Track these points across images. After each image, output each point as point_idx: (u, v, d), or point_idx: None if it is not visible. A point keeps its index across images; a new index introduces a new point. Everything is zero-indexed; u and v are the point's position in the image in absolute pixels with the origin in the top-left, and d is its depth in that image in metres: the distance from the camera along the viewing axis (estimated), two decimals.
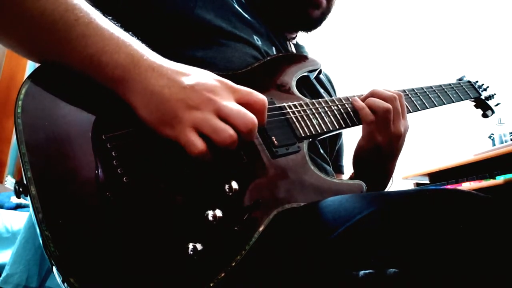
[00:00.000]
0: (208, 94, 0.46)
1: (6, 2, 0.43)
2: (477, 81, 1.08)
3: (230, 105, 0.46)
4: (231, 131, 0.45)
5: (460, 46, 3.25)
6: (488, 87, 1.09)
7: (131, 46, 0.47)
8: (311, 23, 0.86)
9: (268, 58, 0.72)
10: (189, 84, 0.46)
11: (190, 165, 0.47)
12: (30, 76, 0.44)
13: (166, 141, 0.46)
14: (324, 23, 0.88)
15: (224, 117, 0.46)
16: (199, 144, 0.44)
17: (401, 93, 0.74)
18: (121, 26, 0.49)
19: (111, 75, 0.45)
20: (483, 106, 1.10)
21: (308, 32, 0.89)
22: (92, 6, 0.48)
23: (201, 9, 0.67)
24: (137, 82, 0.45)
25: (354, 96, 0.74)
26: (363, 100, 0.72)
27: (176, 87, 0.46)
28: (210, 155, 0.45)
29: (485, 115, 1.11)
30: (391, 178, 0.80)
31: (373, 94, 0.73)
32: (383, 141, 0.70)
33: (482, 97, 1.06)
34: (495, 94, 1.10)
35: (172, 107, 0.45)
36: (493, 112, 1.10)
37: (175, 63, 0.49)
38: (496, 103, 1.10)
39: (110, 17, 0.49)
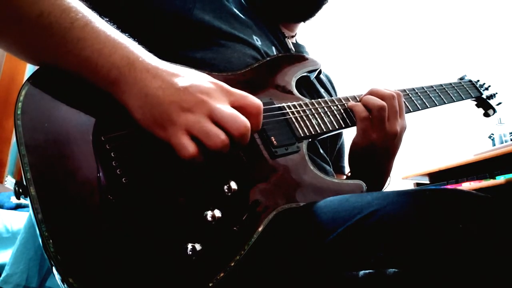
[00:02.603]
0: (201, 96, 0.45)
1: (3, 5, 0.43)
2: (478, 80, 1.08)
3: (223, 108, 0.46)
4: (222, 136, 0.44)
5: (461, 46, 3.25)
6: (489, 86, 1.09)
7: (127, 48, 0.47)
8: (309, 6, 0.85)
9: (268, 58, 0.72)
10: (183, 85, 0.46)
11: (188, 166, 0.47)
12: (30, 79, 0.45)
13: (163, 142, 0.46)
14: (324, 23, 0.88)
15: (216, 120, 0.45)
16: (190, 147, 0.44)
17: (400, 93, 0.74)
18: (120, 28, 0.49)
19: (107, 77, 0.45)
20: (485, 105, 1.09)
21: (305, 21, 0.89)
22: (90, 7, 0.48)
23: (200, 10, 0.67)
24: (132, 84, 0.45)
25: (355, 98, 0.74)
26: (362, 98, 0.72)
27: (170, 88, 0.45)
28: (202, 158, 0.45)
29: (486, 114, 1.11)
30: (389, 178, 0.79)
31: (371, 93, 0.73)
32: (378, 139, 0.69)
33: (484, 96, 1.06)
34: (496, 93, 1.10)
35: (166, 109, 0.44)
36: (494, 111, 1.09)
37: (170, 64, 0.49)
38: (497, 102, 1.10)
39: (107, 19, 0.49)
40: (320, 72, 0.88)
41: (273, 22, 0.85)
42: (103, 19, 0.48)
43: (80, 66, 0.45)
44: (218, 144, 0.44)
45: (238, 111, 0.47)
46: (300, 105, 0.66)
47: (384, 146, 0.70)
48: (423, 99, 0.86)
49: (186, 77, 0.47)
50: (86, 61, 0.45)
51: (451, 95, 0.94)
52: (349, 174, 0.80)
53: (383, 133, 0.69)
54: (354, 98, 0.74)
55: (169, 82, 0.46)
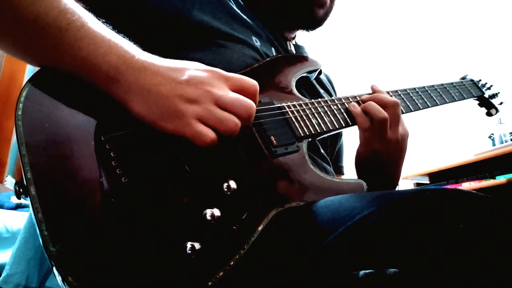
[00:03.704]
0: (204, 87, 0.47)
1: (0, 7, 0.43)
2: (480, 80, 1.08)
3: (227, 94, 0.48)
4: (235, 119, 0.47)
5: (462, 46, 3.25)
6: (491, 85, 1.09)
7: (122, 47, 0.47)
8: (315, 22, 0.86)
9: (268, 59, 0.72)
10: (183, 79, 0.47)
11: (188, 164, 0.47)
12: (31, 80, 0.45)
13: (164, 141, 0.46)
14: (324, 23, 0.88)
15: (223, 106, 0.48)
16: (210, 133, 0.46)
17: (398, 101, 0.74)
18: (118, 29, 0.50)
19: (105, 77, 0.46)
20: (487, 104, 1.09)
21: (310, 31, 0.89)
22: (87, 8, 0.48)
23: (199, 11, 0.67)
24: (132, 82, 0.46)
25: (355, 97, 0.74)
26: (365, 101, 0.72)
27: (171, 83, 0.47)
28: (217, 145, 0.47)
29: (489, 114, 1.11)
30: (397, 186, 0.80)
31: (373, 99, 0.72)
32: (381, 147, 0.70)
33: (486, 95, 1.06)
34: (499, 92, 1.10)
35: (172, 102, 0.46)
36: (497, 110, 1.09)
37: (165, 59, 0.50)
38: (500, 102, 1.10)
39: (103, 20, 0.49)
40: (320, 72, 0.88)
41: (274, 23, 0.85)
42: (100, 20, 0.49)
43: (78, 66, 0.45)
44: (233, 128, 0.47)
45: (238, 93, 0.49)
46: (300, 105, 0.66)
47: (387, 153, 0.71)
48: (424, 99, 0.85)
49: (184, 70, 0.49)
50: (83, 61, 0.45)
51: (453, 94, 0.94)
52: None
53: (385, 141, 0.70)
54: (354, 97, 0.74)
55: (168, 77, 0.47)
